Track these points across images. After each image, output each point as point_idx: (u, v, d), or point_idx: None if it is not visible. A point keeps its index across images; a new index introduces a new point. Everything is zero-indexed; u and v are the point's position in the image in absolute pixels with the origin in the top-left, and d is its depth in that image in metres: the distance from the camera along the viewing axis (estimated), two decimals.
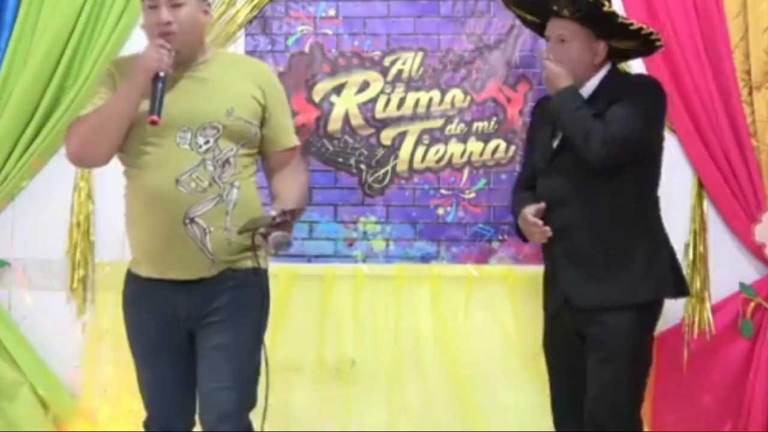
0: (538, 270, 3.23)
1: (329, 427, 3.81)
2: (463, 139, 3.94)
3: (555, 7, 3.03)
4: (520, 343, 3.74)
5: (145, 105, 2.63)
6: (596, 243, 3.01)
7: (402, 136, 3.95)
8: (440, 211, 3.95)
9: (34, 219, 3.93)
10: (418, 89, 3.95)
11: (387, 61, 3.96)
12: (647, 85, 3.09)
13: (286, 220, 2.57)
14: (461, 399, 3.78)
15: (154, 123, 2.58)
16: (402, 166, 3.95)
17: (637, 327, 3.01)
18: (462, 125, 3.94)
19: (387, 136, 3.95)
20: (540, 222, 3.05)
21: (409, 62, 3.95)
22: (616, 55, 3.13)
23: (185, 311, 2.72)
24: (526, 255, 3.87)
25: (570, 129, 3.00)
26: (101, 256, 3.89)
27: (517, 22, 3.87)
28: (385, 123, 3.95)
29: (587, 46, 3.06)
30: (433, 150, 3.94)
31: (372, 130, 3.96)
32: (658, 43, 3.10)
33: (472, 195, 3.93)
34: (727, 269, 3.79)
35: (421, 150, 3.94)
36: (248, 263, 2.75)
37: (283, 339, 3.71)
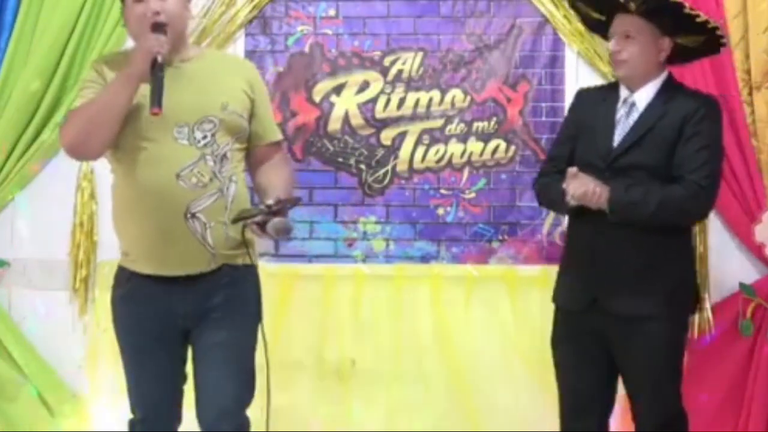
0: (538, 270, 3.24)
1: (329, 427, 3.81)
2: (463, 139, 3.94)
3: (622, 1, 2.97)
4: (520, 343, 3.75)
5: (138, 99, 2.61)
6: (640, 249, 2.94)
7: (402, 136, 3.95)
8: (440, 211, 3.95)
9: (35, 219, 3.93)
10: (418, 89, 3.95)
11: (387, 61, 3.96)
12: (709, 114, 3.00)
13: (282, 208, 2.55)
14: (461, 399, 3.78)
15: (156, 114, 2.53)
16: (402, 166, 3.95)
17: (674, 339, 3.00)
18: (462, 125, 3.94)
19: (387, 136, 3.95)
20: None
21: (409, 62, 3.96)
22: (681, 54, 3.09)
23: (183, 308, 2.70)
24: (526, 255, 3.88)
25: (657, 221, 2.93)
26: (103, 255, 3.88)
27: (518, 22, 3.91)
28: (385, 123, 3.95)
29: (653, 42, 3.00)
30: (433, 150, 3.94)
31: (372, 130, 3.96)
32: (723, 40, 3.07)
33: (472, 195, 3.93)
34: (727, 269, 3.79)
35: (421, 150, 3.94)
36: (244, 259, 2.76)
37: (284, 339, 3.71)
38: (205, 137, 2.66)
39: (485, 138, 3.93)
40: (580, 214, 2.98)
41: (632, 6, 2.97)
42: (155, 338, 2.72)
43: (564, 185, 2.92)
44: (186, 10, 2.75)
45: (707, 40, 3.06)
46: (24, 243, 3.94)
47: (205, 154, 2.65)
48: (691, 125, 2.94)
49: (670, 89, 3.05)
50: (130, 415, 2.80)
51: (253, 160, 2.84)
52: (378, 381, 3.81)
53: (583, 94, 3.26)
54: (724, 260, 3.80)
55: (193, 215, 2.64)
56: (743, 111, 3.72)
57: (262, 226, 2.56)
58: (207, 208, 2.65)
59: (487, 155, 3.93)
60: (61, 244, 3.91)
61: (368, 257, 3.94)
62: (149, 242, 2.68)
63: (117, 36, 3.84)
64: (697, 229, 3.78)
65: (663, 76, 3.05)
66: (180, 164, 2.63)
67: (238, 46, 3.95)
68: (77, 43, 3.83)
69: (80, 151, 2.72)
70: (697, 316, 3.75)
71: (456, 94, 3.94)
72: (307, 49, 3.98)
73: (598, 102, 3.11)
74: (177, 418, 2.82)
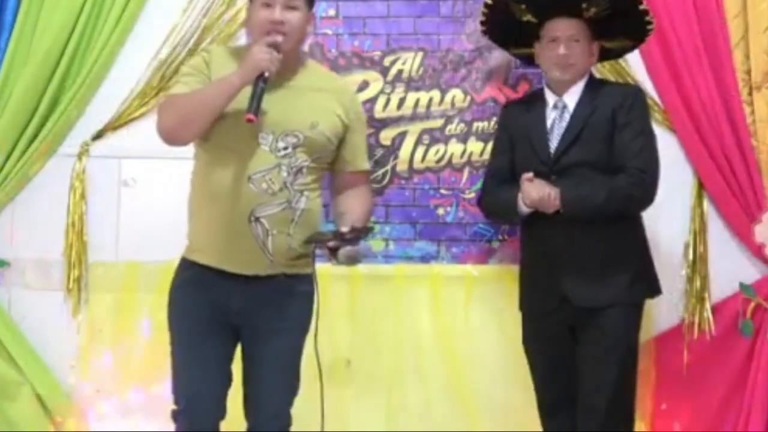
0: None
1: (328, 427, 3.80)
2: (463, 139, 3.94)
3: (584, 5, 3.08)
4: (519, 343, 3.73)
5: (238, 97, 2.68)
6: (599, 242, 3.07)
7: (402, 136, 3.95)
8: (440, 211, 3.95)
9: (33, 219, 3.93)
10: (418, 89, 3.95)
11: (387, 61, 3.96)
12: (637, 101, 3.16)
13: (356, 237, 2.64)
14: (461, 399, 3.78)
15: (250, 121, 2.61)
16: (402, 166, 3.95)
17: (635, 323, 3.13)
18: (462, 125, 3.94)
19: (387, 136, 3.95)
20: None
21: (409, 62, 3.95)
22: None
23: (237, 304, 2.78)
24: None
25: (609, 211, 3.06)
26: (95, 256, 3.88)
27: None
28: (384, 123, 3.95)
29: (590, 46, 3.18)
30: (433, 150, 3.94)
31: (372, 130, 3.95)
32: (645, 36, 3.25)
33: (472, 195, 3.92)
34: (727, 269, 3.79)
35: (421, 150, 3.94)
36: (301, 269, 2.83)
37: None
38: (286, 148, 2.74)
39: (485, 138, 3.92)
40: (533, 219, 3.11)
41: (593, 11, 3.09)
42: (207, 325, 2.79)
43: (519, 192, 3.07)
44: (309, 26, 2.84)
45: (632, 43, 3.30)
46: (22, 243, 3.93)
47: (281, 163, 2.73)
48: (622, 114, 3.09)
49: (595, 85, 3.20)
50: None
51: (336, 185, 2.96)
52: (378, 381, 3.81)
53: (507, 109, 3.43)
54: (724, 260, 3.80)
55: (257, 219, 2.71)
56: (743, 111, 3.72)
57: (333, 251, 2.66)
58: (272, 215, 2.73)
59: (487, 155, 3.91)
60: (57, 245, 3.91)
61: (368, 257, 3.94)
62: (212, 235, 2.76)
63: (117, 36, 3.84)
64: (697, 228, 3.79)
65: (587, 76, 3.21)
66: (255, 167, 2.71)
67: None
68: (77, 43, 3.83)
69: (174, 138, 2.80)
70: (697, 316, 3.76)
71: (456, 94, 3.94)
72: (307, 49, 3.97)
73: (524, 112, 3.26)
74: (220, 412, 2.86)
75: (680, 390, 3.76)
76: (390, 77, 3.95)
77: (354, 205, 2.90)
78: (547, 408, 3.22)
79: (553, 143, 3.13)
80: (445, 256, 3.93)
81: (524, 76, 3.92)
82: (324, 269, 3.84)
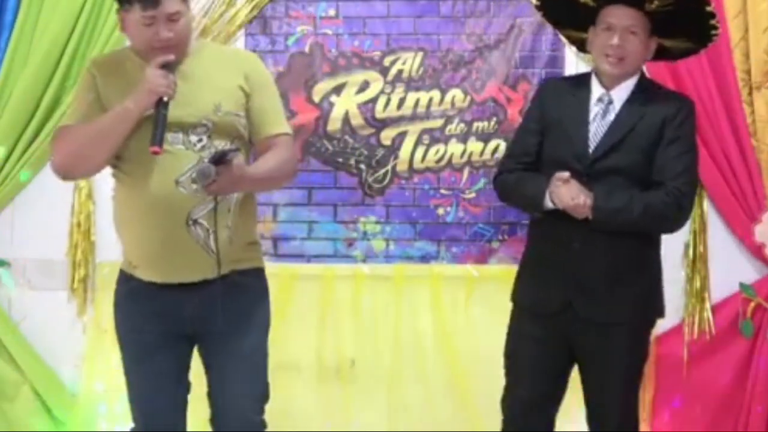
0: None
1: (329, 427, 3.81)
2: (463, 139, 3.94)
3: None
4: None
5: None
6: (616, 255, 2.87)
7: (402, 136, 3.95)
8: (440, 211, 3.95)
9: (35, 219, 3.93)
10: (418, 89, 3.95)
11: (387, 61, 3.96)
12: (687, 116, 2.92)
13: (221, 157, 2.47)
14: (461, 399, 3.78)
15: (156, 153, 2.48)
16: (402, 166, 3.95)
17: (645, 348, 3.00)
18: (462, 125, 3.94)
19: (387, 136, 3.95)
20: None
21: (409, 62, 3.95)
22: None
23: (190, 311, 2.63)
24: None
25: (640, 228, 2.88)
26: (102, 256, 3.88)
27: (518, 22, 3.90)
28: (385, 123, 3.95)
29: (647, 41, 2.91)
30: (433, 150, 3.94)
31: (372, 130, 3.96)
32: (709, 42, 2.99)
33: (472, 195, 3.93)
34: (727, 269, 3.79)
35: (421, 150, 3.94)
36: (251, 264, 2.72)
37: (283, 339, 3.71)
38: (200, 140, 2.59)
39: (485, 138, 3.93)
40: (552, 217, 2.88)
41: (655, 3, 2.83)
42: (160, 338, 2.64)
43: (552, 187, 2.83)
44: (192, 23, 2.68)
45: (694, 44, 3.01)
46: (24, 243, 3.93)
47: (203, 157, 2.56)
48: (672, 128, 2.86)
49: (646, 88, 2.95)
50: (132, 425, 2.73)
51: (255, 156, 2.73)
52: (378, 381, 3.81)
53: (550, 87, 3.12)
54: (724, 260, 3.80)
55: (195, 221, 2.57)
56: (743, 111, 3.72)
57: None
58: (208, 213, 2.58)
59: (487, 155, 3.93)
60: (60, 245, 3.91)
61: (368, 257, 3.94)
62: (151, 251, 2.61)
63: (117, 36, 3.82)
64: (697, 228, 3.79)
65: (638, 74, 2.95)
66: (179, 169, 2.55)
67: (238, 47, 3.95)
68: (77, 43, 3.82)
69: (71, 174, 2.69)
70: (697, 317, 3.76)
71: (456, 94, 3.94)
72: (307, 49, 3.98)
73: (567, 96, 2.97)
74: (180, 426, 2.74)
75: (680, 390, 3.76)
76: (390, 77, 3.95)
77: (258, 162, 2.66)
78: (520, 409, 3.02)
79: (593, 141, 2.89)
80: (445, 256, 3.94)
81: (524, 76, 3.93)
82: (325, 270, 3.89)
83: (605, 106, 2.92)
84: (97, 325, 3.84)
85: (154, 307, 2.64)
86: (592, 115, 2.92)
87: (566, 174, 2.81)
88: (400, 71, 3.95)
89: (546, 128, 2.97)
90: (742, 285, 3.76)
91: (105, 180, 3.82)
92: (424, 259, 3.94)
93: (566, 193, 2.81)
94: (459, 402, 3.79)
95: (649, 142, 2.86)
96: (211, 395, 2.71)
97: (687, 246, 3.80)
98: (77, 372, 3.89)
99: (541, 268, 2.98)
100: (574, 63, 3.88)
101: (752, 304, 3.74)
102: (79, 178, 2.74)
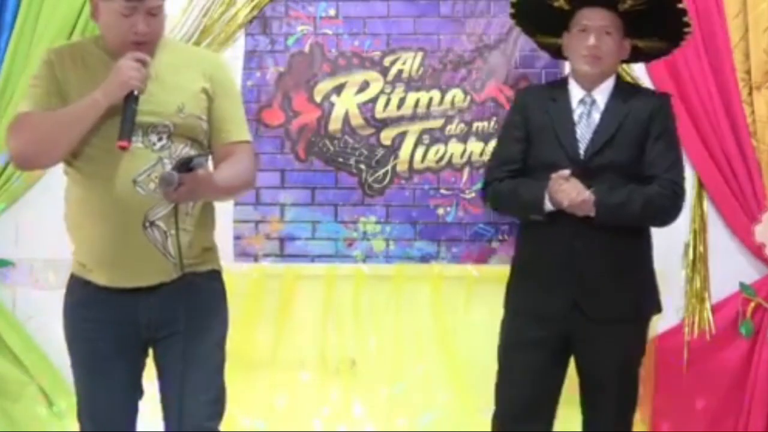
0: None
1: (330, 427, 3.81)
2: (463, 139, 3.94)
3: None
4: None
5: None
6: (617, 251, 2.92)
7: (402, 136, 3.95)
8: (440, 211, 3.95)
9: (40, 218, 3.91)
10: (418, 89, 3.95)
11: (387, 61, 3.96)
12: (669, 111, 3.02)
13: (188, 166, 2.40)
14: (461, 399, 3.78)
15: (123, 148, 2.38)
16: (402, 166, 3.95)
17: (644, 341, 3.07)
18: (462, 125, 3.94)
19: (387, 136, 3.95)
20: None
21: (409, 62, 3.95)
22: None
23: (145, 317, 2.55)
24: None
25: (641, 222, 2.95)
26: None
27: None
28: (385, 123, 3.95)
29: (621, 42, 2.99)
30: (433, 150, 3.94)
31: (372, 130, 3.96)
32: (681, 41, 3.09)
33: (472, 195, 3.93)
34: (727, 269, 3.79)
35: (421, 150, 3.94)
36: (208, 266, 2.64)
37: (286, 338, 3.71)
38: (160, 140, 2.51)
39: (485, 138, 3.93)
40: (551, 216, 2.90)
41: (628, 3, 2.91)
42: (113, 346, 2.55)
43: (554, 187, 2.84)
44: (165, 20, 2.59)
45: (667, 45, 3.12)
46: (29, 242, 3.92)
47: (162, 157, 2.49)
48: (658, 123, 2.95)
49: (623, 86, 3.05)
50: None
51: (215, 162, 2.62)
52: (378, 380, 3.81)
53: (526, 95, 3.18)
54: (724, 260, 3.80)
55: (152, 223, 2.49)
56: (743, 111, 3.72)
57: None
58: (166, 215, 2.49)
59: (487, 155, 3.91)
60: (65, 244, 3.89)
61: (368, 257, 3.94)
62: (106, 253, 2.52)
63: None
64: (697, 228, 3.79)
65: (615, 74, 3.03)
66: (136, 169, 2.47)
67: (238, 46, 3.94)
68: None
69: (30, 163, 2.62)
70: (697, 317, 3.76)
71: (456, 94, 3.94)
72: (307, 49, 3.98)
73: (547, 101, 3.02)
74: None
75: (680, 390, 3.76)
76: (390, 77, 3.95)
77: (220, 169, 2.56)
78: (517, 414, 3.01)
79: (582, 141, 2.94)
80: (445, 256, 3.94)
81: (524, 76, 3.93)
82: (326, 270, 3.89)
83: (589, 107, 2.99)
84: None
85: (108, 314, 2.55)
86: (576, 117, 2.98)
87: (567, 172, 2.85)
88: (400, 71, 3.95)
89: (531, 135, 3.02)
90: (742, 285, 3.77)
91: None
92: (424, 259, 3.94)
93: (570, 190, 2.84)
94: (459, 402, 3.78)
95: (637, 137, 2.94)
96: (164, 400, 2.63)
97: (687, 246, 3.80)
98: None
99: (541, 270, 2.98)
100: None
101: (752, 304, 3.74)
102: (38, 168, 2.65)
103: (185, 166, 2.40)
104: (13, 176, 3.85)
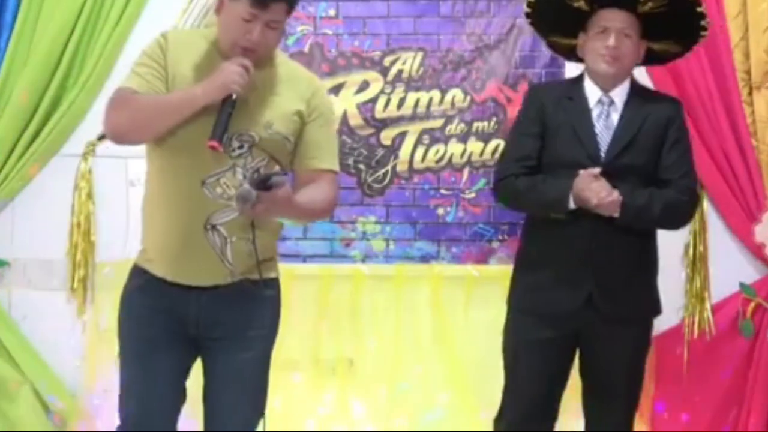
0: None
1: (328, 427, 3.81)
2: (463, 139, 3.94)
3: None
4: None
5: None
6: (632, 251, 2.94)
7: (402, 136, 3.95)
8: (440, 211, 3.95)
9: (35, 219, 3.93)
10: (418, 89, 3.95)
11: (387, 61, 3.96)
12: (684, 117, 3.05)
13: (267, 184, 2.37)
14: (461, 399, 3.78)
15: (213, 148, 2.41)
16: (402, 166, 3.95)
17: (650, 336, 3.08)
18: (462, 125, 3.94)
19: (387, 136, 3.95)
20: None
21: (409, 62, 3.96)
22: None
23: (197, 314, 2.57)
24: None
25: (660, 224, 3.00)
26: (101, 256, 3.89)
27: (518, 22, 3.90)
28: (384, 123, 3.95)
29: (638, 45, 2.99)
30: (433, 150, 3.94)
31: (372, 130, 3.96)
32: (695, 44, 3.09)
33: (472, 195, 3.93)
34: (727, 269, 3.80)
35: (421, 150, 3.94)
36: (265, 274, 2.63)
37: (282, 339, 3.70)
38: (241, 147, 2.52)
39: (485, 138, 3.93)
40: (573, 215, 2.89)
41: (648, 5, 2.91)
42: (163, 336, 2.57)
43: (581, 185, 2.83)
44: (281, 37, 2.63)
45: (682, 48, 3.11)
46: (24, 243, 3.93)
47: (236, 164, 2.51)
48: (674, 129, 2.98)
49: (638, 88, 3.06)
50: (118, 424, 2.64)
51: (296, 185, 2.61)
52: (378, 380, 3.82)
53: (541, 91, 3.16)
54: (724, 260, 3.80)
55: (214, 227, 2.51)
56: (743, 111, 3.72)
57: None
58: (230, 222, 2.51)
59: (487, 155, 3.93)
60: (60, 244, 3.91)
61: (368, 257, 3.94)
62: (167, 246, 2.56)
63: (117, 36, 3.84)
64: (697, 228, 3.79)
65: (630, 76, 3.04)
66: (208, 170, 2.49)
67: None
68: (77, 43, 3.83)
69: (124, 139, 2.61)
70: (697, 317, 3.77)
71: (456, 94, 3.94)
72: (307, 49, 3.98)
73: (563, 100, 3.01)
74: (171, 428, 2.65)
75: (680, 390, 3.76)
76: (390, 77, 3.95)
77: (301, 193, 2.55)
78: (525, 414, 3.01)
79: (602, 141, 2.94)
80: (445, 256, 3.94)
81: (524, 76, 3.93)
82: (325, 270, 3.89)
83: (607, 108, 2.98)
84: (96, 325, 3.84)
85: (162, 303, 2.57)
86: (594, 116, 2.97)
87: (596, 170, 2.85)
88: (400, 71, 3.95)
89: (548, 132, 2.99)
90: (742, 285, 3.77)
91: (104, 181, 3.89)
92: (424, 259, 3.94)
93: (600, 189, 2.84)
94: (458, 401, 3.79)
95: (655, 142, 2.96)
96: (205, 405, 2.65)
97: (687, 246, 3.80)
98: (77, 372, 3.89)
99: (554, 268, 2.95)
100: (573, 63, 3.87)
101: (752, 304, 3.74)
102: (128, 144, 2.63)
103: (263, 183, 2.38)
104: (8, 176, 3.85)
